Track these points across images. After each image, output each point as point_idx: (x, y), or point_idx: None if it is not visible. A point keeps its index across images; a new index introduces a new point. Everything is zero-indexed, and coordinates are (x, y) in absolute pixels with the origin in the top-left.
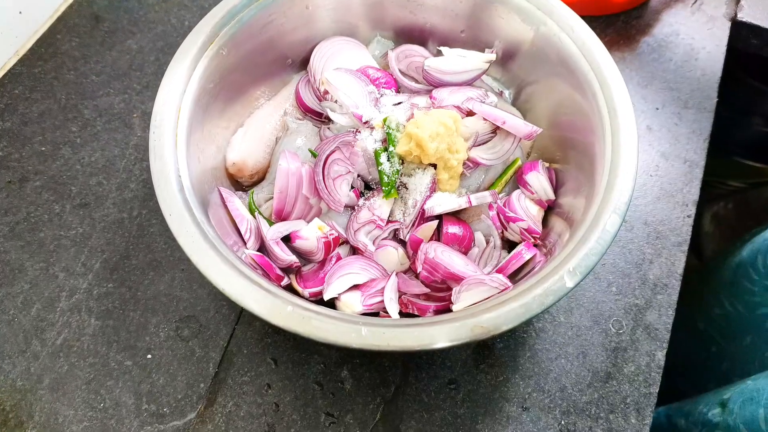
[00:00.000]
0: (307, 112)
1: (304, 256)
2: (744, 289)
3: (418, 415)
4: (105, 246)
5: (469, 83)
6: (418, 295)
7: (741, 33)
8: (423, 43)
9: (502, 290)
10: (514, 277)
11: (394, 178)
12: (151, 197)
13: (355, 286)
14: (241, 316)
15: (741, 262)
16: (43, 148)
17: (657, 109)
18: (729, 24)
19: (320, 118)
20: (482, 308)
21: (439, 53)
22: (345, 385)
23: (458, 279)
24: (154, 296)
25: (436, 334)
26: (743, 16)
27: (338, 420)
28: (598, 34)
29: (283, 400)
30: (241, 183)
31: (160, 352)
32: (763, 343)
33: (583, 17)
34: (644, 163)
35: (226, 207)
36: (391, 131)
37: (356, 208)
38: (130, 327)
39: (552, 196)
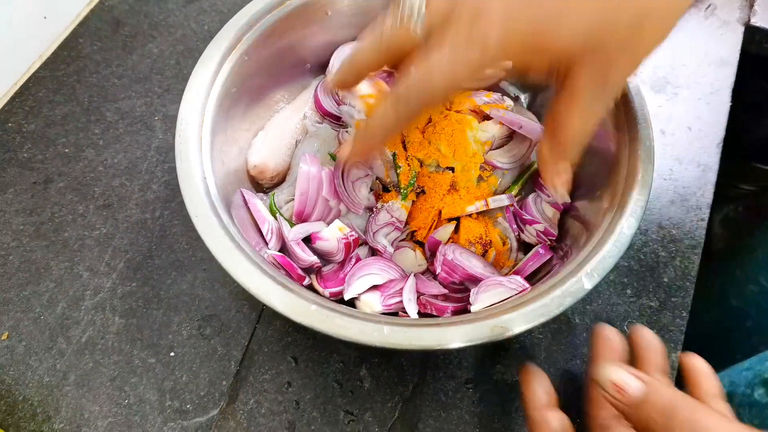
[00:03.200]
0: (326, 116)
1: (324, 257)
2: None
3: (436, 413)
4: (128, 246)
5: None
6: (436, 296)
7: (755, 37)
8: None
9: (520, 292)
10: (530, 279)
11: (412, 181)
12: (173, 198)
13: (375, 287)
14: (262, 315)
15: None
16: (67, 150)
17: (670, 113)
18: (742, 29)
19: (338, 122)
20: (501, 309)
21: None
22: (364, 384)
23: (476, 280)
24: (177, 295)
25: (456, 334)
26: (757, 20)
27: (357, 418)
28: None
29: (303, 397)
30: (261, 185)
31: (183, 350)
32: None
33: None
34: (658, 167)
35: (248, 208)
36: (408, 135)
37: (375, 210)
38: (153, 325)
39: (568, 200)
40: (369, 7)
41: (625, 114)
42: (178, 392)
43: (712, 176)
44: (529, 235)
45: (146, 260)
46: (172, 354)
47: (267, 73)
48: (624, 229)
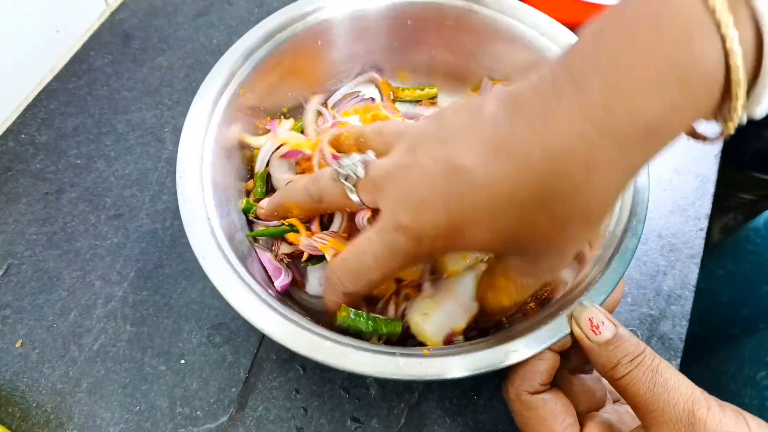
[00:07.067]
0: None
1: None
2: (746, 251)
3: (441, 420)
4: (139, 255)
5: None
6: None
7: None
8: None
9: None
10: None
11: None
12: None
13: None
14: None
15: (742, 235)
16: (79, 161)
17: None
18: None
19: None
20: (512, 333)
21: None
22: (370, 391)
23: None
24: (187, 304)
25: (472, 362)
26: None
27: (364, 424)
28: None
29: (311, 404)
30: None
31: (193, 357)
32: None
33: None
34: (658, 178)
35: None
36: None
37: None
38: (164, 333)
39: None
40: (359, 35)
41: None
42: (189, 399)
43: (711, 187)
44: None
45: (157, 269)
46: (182, 361)
47: (263, 105)
48: (628, 244)
